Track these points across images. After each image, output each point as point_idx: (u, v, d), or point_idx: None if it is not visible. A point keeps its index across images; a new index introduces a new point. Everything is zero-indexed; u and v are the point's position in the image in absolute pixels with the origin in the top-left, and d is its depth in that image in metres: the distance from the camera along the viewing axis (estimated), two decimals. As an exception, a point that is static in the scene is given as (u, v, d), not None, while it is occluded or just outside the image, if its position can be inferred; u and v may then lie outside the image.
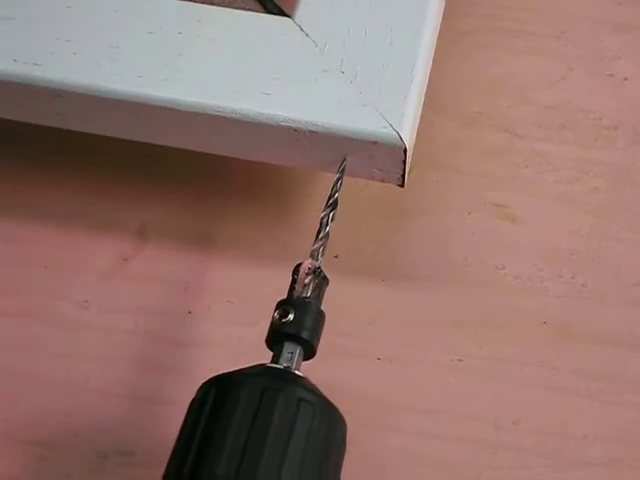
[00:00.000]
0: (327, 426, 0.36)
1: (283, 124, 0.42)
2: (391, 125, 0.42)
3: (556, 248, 0.48)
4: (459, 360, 0.45)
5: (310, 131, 0.42)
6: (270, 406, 0.35)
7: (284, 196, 0.49)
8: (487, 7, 0.54)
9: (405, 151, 0.42)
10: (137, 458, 0.43)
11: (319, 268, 0.39)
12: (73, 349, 0.45)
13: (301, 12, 0.45)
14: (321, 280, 0.39)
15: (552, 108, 0.52)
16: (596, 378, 0.45)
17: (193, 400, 0.37)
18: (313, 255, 0.40)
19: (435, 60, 0.49)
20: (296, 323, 0.38)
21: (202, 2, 0.45)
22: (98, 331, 0.46)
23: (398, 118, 0.42)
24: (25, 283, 0.47)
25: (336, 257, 0.47)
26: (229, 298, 0.47)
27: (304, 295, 0.39)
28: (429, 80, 0.46)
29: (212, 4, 0.45)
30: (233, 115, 0.42)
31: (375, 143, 0.42)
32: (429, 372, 0.45)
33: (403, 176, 0.43)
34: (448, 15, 0.52)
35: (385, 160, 0.43)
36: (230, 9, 0.45)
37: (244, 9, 0.45)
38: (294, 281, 0.39)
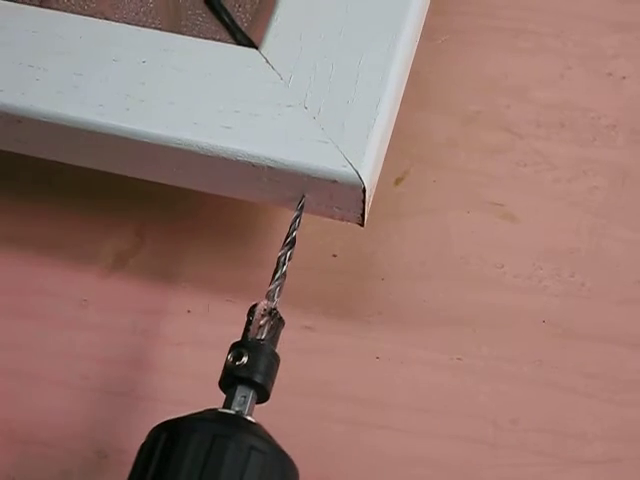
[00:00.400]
0: (279, 476, 0.35)
1: (242, 159, 0.41)
2: (351, 164, 0.41)
3: (555, 247, 0.48)
4: (458, 359, 0.45)
5: (269, 167, 0.41)
6: (220, 454, 0.34)
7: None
8: (486, 6, 0.54)
9: (364, 191, 0.41)
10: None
11: (275, 309, 0.39)
12: (72, 348, 0.45)
13: (268, 44, 0.44)
14: (277, 321, 0.39)
15: (551, 107, 0.52)
16: (595, 376, 0.45)
17: (143, 444, 0.36)
18: (269, 296, 0.39)
19: (434, 59, 0.49)
20: (249, 366, 0.37)
21: (172, 30, 0.45)
22: (97, 330, 0.46)
23: (359, 157, 0.41)
24: (24, 282, 0.47)
25: (334, 256, 0.47)
26: (228, 297, 0.47)
27: (259, 337, 0.38)
28: (428, 78, 0.46)
29: (181, 33, 0.45)
30: (192, 148, 0.41)
31: (334, 182, 0.41)
32: (428, 371, 0.45)
33: (363, 215, 0.42)
34: (446, 13, 0.53)
35: (344, 199, 0.42)
36: (197, 39, 0.44)
37: (213, 39, 0.45)
38: (249, 322, 0.39)
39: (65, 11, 0.45)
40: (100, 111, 0.42)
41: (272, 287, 0.39)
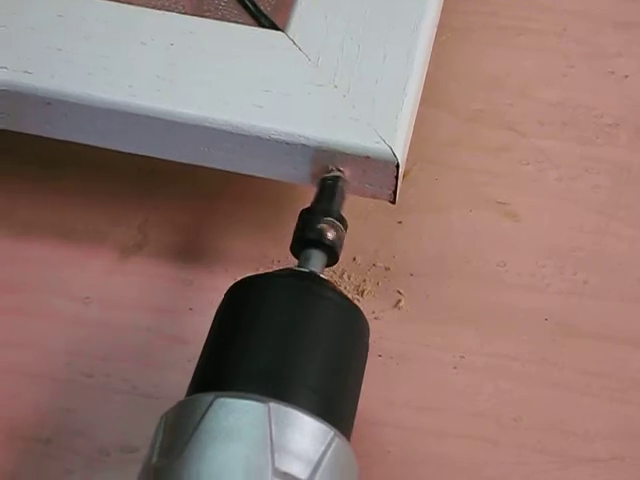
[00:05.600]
0: (352, 325, 0.38)
1: (275, 137, 0.42)
2: (384, 140, 0.41)
3: (557, 245, 0.48)
4: (461, 357, 0.45)
5: (302, 145, 0.42)
6: (298, 305, 0.37)
7: (283, 192, 0.49)
8: (489, 4, 0.54)
9: (397, 166, 0.42)
10: (138, 454, 0.43)
11: (343, 182, 0.41)
12: (74, 345, 0.45)
13: (294, 26, 0.45)
14: (343, 192, 0.41)
15: (553, 105, 0.52)
16: (598, 375, 0.45)
17: (223, 300, 0.39)
18: (334, 170, 0.41)
19: (436, 57, 0.49)
20: (320, 230, 0.39)
21: (195, 14, 0.45)
22: (99, 327, 0.46)
23: (391, 133, 0.42)
24: (26, 279, 0.47)
25: (337, 254, 0.48)
26: (230, 294, 0.47)
27: (327, 204, 0.40)
28: (431, 77, 0.47)
29: (205, 17, 0.45)
30: (225, 127, 0.42)
31: (367, 158, 0.41)
32: (430, 369, 0.45)
33: (395, 192, 0.43)
34: (450, 12, 0.52)
35: (377, 175, 0.42)
36: (223, 22, 0.45)
37: (237, 22, 0.45)
38: (319, 192, 0.41)
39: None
40: (130, 92, 0.43)
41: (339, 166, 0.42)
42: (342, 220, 0.40)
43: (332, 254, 0.40)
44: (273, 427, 0.33)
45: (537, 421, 0.44)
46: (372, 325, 0.46)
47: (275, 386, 0.35)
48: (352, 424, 0.37)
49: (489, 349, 0.45)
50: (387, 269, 0.47)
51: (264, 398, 0.34)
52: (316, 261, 0.39)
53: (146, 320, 0.46)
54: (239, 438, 0.33)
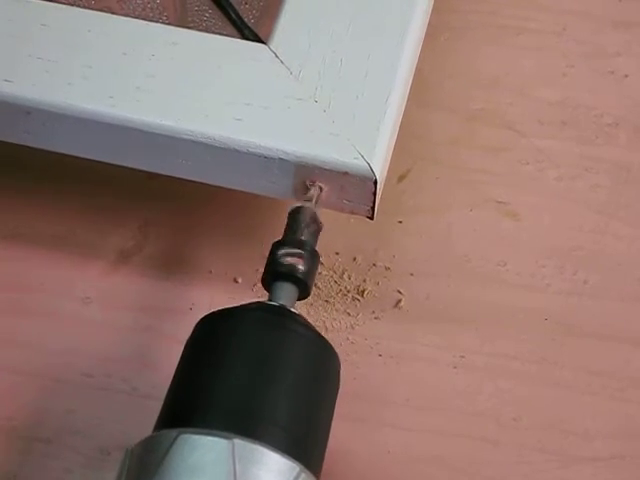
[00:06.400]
0: (322, 360, 0.37)
1: (253, 151, 0.41)
2: (362, 156, 0.41)
3: (557, 245, 0.48)
4: (461, 356, 0.45)
5: (280, 159, 0.41)
6: (266, 340, 0.36)
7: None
8: (489, 4, 0.54)
9: (375, 183, 0.41)
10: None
11: (314, 212, 0.41)
12: (74, 345, 0.45)
13: (277, 39, 0.44)
14: (315, 223, 0.40)
15: (553, 105, 0.52)
16: (597, 374, 0.45)
17: (192, 333, 0.38)
18: (308, 200, 0.41)
19: (436, 56, 0.49)
20: (292, 263, 0.39)
21: (179, 25, 0.45)
22: (100, 327, 0.46)
23: (370, 149, 0.41)
24: (27, 280, 0.47)
25: (337, 254, 0.48)
26: (231, 294, 0.47)
27: (299, 236, 0.40)
28: (430, 76, 0.47)
29: (189, 28, 0.45)
30: (203, 140, 0.42)
31: (345, 174, 0.41)
32: (430, 368, 0.45)
33: (373, 208, 0.43)
34: (449, 11, 0.53)
35: (355, 191, 0.42)
36: (205, 33, 0.45)
37: (221, 34, 0.45)
38: (290, 223, 0.40)
39: (72, 5, 0.45)
40: (110, 102, 0.42)
41: (313, 193, 0.41)
42: (314, 252, 0.40)
43: (303, 287, 0.39)
44: (237, 464, 0.33)
45: (537, 420, 0.44)
46: (372, 325, 0.46)
47: (241, 422, 0.34)
48: (321, 460, 0.36)
49: (489, 349, 0.45)
50: (387, 269, 0.47)
51: (229, 434, 0.33)
52: (287, 295, 0.38)
53: (146, 320, 0.46)
54: (203, 475, 0.33)
